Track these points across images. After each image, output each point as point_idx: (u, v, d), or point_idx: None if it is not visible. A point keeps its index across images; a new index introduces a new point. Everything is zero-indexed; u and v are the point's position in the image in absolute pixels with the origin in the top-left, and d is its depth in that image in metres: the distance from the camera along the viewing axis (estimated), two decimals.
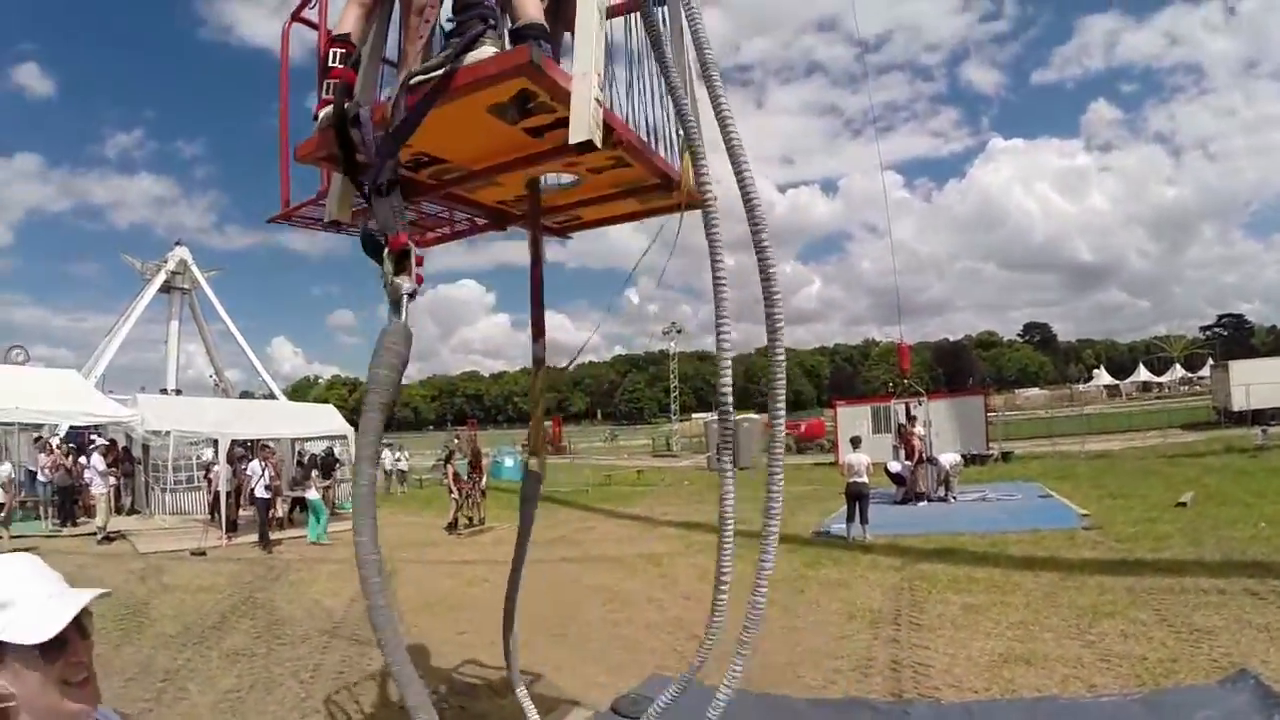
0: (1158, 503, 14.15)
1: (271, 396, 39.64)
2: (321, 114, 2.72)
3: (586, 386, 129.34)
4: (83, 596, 1.23)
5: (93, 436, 20.32)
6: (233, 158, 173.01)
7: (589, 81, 2.53)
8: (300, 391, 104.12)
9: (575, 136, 2.53)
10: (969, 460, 23.80)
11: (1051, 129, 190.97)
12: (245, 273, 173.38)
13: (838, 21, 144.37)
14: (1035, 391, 74.59)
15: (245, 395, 42.95)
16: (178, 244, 40.42)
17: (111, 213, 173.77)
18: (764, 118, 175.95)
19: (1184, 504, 13.45)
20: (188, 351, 42.66)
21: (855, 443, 14.61)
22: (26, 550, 1.90)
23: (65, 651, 1.19)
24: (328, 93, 2.71)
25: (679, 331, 65.71)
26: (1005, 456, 26.06)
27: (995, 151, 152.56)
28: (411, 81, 2.54)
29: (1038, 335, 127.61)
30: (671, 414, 63.31)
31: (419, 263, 2.56)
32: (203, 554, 13.81)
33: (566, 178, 3.78)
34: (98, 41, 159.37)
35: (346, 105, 2.64)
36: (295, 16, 3.52)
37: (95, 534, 15.23)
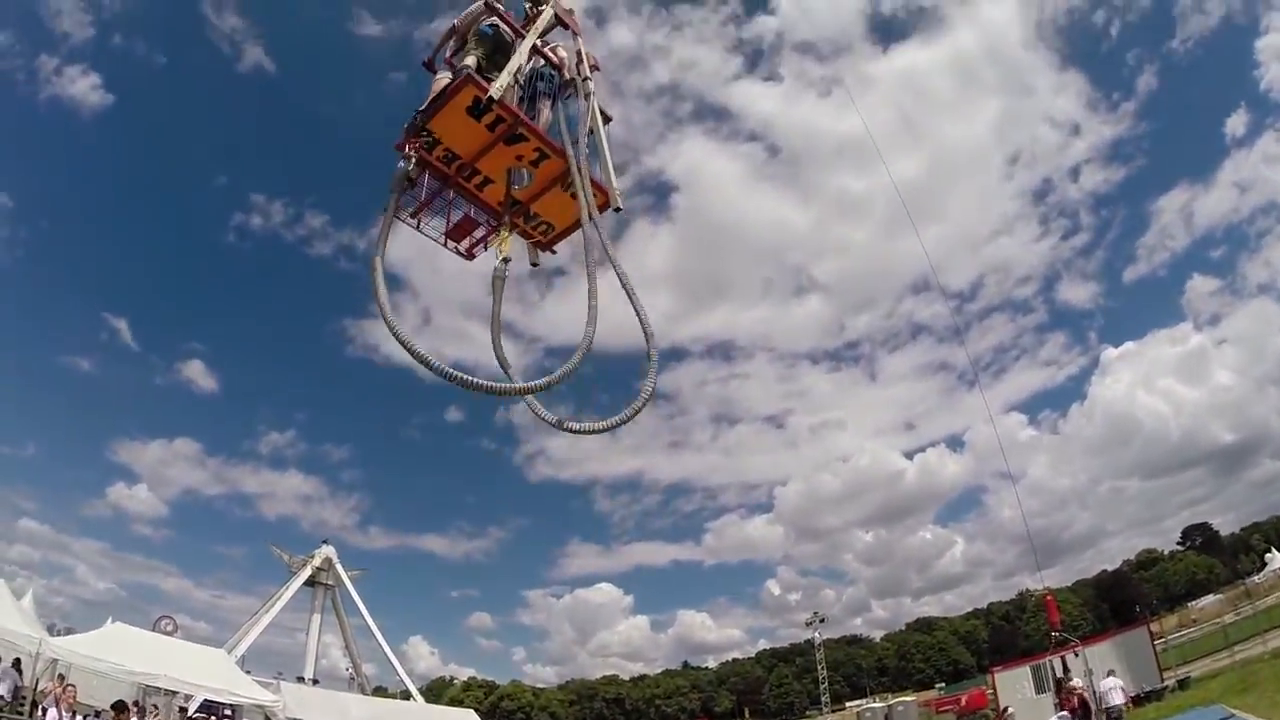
0: None
1: (407, 694, 38.36)
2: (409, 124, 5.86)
3: (733, 685, 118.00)
4: None
5: (227, 712, 20.78)
6: (376, 464, 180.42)
7: (502, 80, 5.51)
8: (435, 691, 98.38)
9: (490, 94, 5.33)
10: (1143, 698, 20.99)
11: (1157, 321, 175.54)
12: (385, 572, 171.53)
13: (931, 280, 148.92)
14: (1209, 599, 64.32)
15: (379, 690, 41.71)
16: (324, 543, 40.47)
17: (260, 502, 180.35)
18: (879, 390, 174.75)
19: None
20: (324, 641, 41.06)
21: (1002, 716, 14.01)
22: None
23: None
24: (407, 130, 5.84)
25: (822, 621, 62.75)
26: (1182, 684, 22.63)
27: (1109, 363, 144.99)
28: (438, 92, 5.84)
29: (1199, 537, 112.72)
30: (823, 705, 57.74)
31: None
32: None
33: (526, 176, 5.97)
34: (258, 349, 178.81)
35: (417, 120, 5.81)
36: (397, 146, 6.03)
37: None
